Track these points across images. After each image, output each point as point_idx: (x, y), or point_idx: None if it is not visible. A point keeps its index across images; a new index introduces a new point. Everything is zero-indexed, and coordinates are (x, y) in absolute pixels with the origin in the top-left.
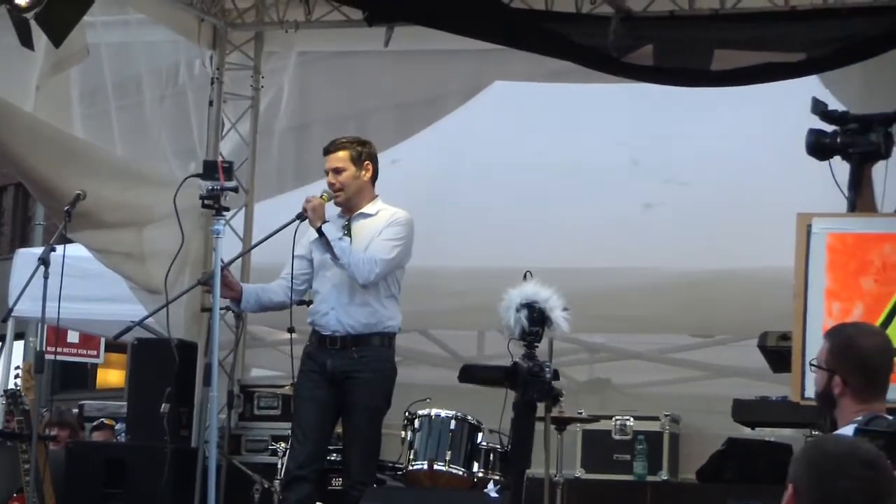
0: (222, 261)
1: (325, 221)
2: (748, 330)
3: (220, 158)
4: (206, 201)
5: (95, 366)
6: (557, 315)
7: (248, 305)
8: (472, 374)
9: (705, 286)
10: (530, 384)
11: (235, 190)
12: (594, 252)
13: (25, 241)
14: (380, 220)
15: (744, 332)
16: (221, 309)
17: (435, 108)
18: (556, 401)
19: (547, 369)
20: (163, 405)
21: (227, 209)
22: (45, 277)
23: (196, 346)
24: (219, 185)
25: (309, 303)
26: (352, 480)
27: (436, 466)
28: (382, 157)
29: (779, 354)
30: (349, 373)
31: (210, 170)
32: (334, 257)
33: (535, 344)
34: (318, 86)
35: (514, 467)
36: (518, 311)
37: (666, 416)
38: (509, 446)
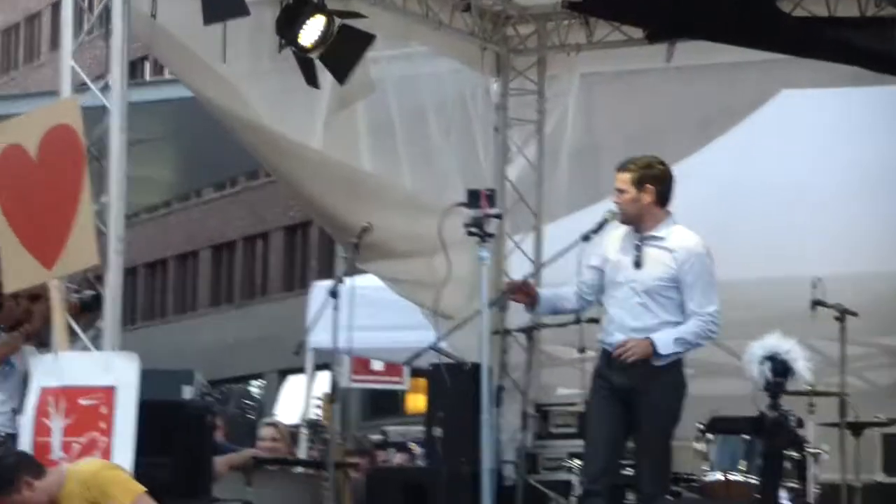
0: (516, 280)
1: (652, 350)
2: None
3: (483, 188)
4: (470, 229)
5: (404, 392)
6: (801, 366)
7: (543, 309)
8: (719, 424)
9: None
10: (776, 433)
11: (499, 217)
12: (887, 255)
13: (330, 274)
14: (672, 245)
15: None
16: (515, 331)
17: (723, 121)
18: (801, 448)
19: (791, 418)
20: (434, 429)
21: (492, 235)
22: (335, 309)
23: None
24: (482, 212)
25: (597, 320)
26: (643, 494)
27: (731, 476)
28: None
29: None
30: (636, 389)
31: (473, 198)
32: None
33: (780, 394)
34: (602, 106)
35: None
36: (761, 363)
37: None
38: (758, 492)
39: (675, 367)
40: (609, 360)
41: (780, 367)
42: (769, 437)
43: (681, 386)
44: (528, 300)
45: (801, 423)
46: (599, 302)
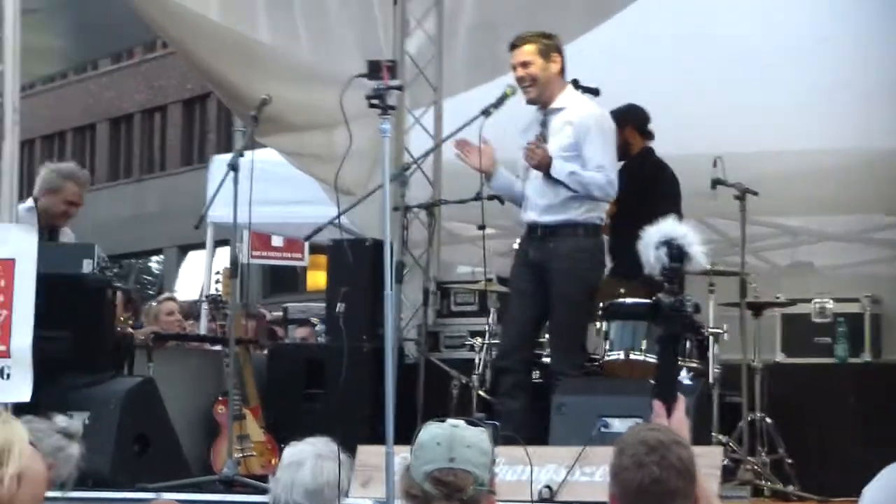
0: (413, 158)
1: (548, 164)
2: None
3: (383, 58)
4: (371, 101)
5: (304, 268)
6: (696, 250)
7: (498, 183)
8: (615, 310)
9: None
10: (672, 319)
11: (400, 88)
12: (786, 134)
13: (229, 148)
14: (574, 113)
15: None
16: (416, 207)
17: None
18: (698, 333)
19: (688, 303)
20: (338, 305)
21: (394, 108)
22: (235, 183)
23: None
24: (383, 84)
25: (499, 198)
26: (554, 371)
27: (632, 356)
28: (569, 48)
29: None
30: (546, 262)
31: (374, 69)
32: (572, 190)
33: (676, 279)
34: None
35: (662, 399)
36: (657, 248)
37: (866, 297)
38: (654, 379)
39: (587, 242)
40: (529, 235)
41: (676, 252)
42: (665, 322)
43: (594, 262)
44: (486, 165)
45: (697, 309)
46: None
